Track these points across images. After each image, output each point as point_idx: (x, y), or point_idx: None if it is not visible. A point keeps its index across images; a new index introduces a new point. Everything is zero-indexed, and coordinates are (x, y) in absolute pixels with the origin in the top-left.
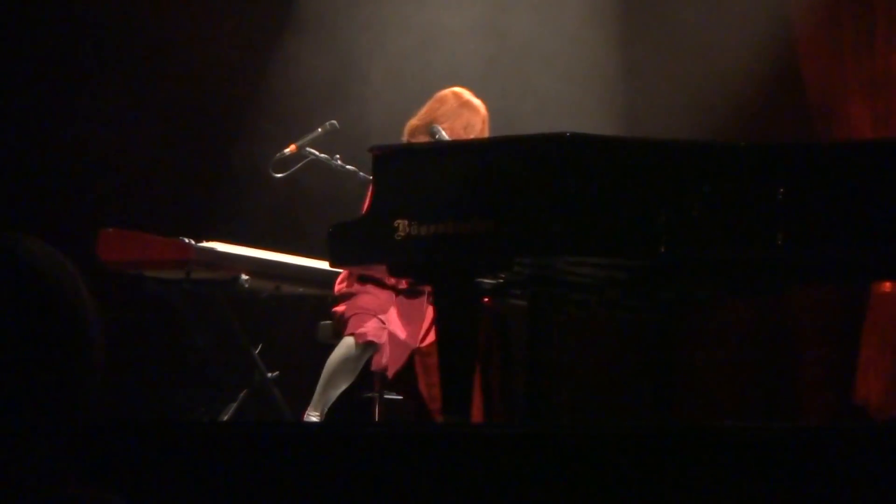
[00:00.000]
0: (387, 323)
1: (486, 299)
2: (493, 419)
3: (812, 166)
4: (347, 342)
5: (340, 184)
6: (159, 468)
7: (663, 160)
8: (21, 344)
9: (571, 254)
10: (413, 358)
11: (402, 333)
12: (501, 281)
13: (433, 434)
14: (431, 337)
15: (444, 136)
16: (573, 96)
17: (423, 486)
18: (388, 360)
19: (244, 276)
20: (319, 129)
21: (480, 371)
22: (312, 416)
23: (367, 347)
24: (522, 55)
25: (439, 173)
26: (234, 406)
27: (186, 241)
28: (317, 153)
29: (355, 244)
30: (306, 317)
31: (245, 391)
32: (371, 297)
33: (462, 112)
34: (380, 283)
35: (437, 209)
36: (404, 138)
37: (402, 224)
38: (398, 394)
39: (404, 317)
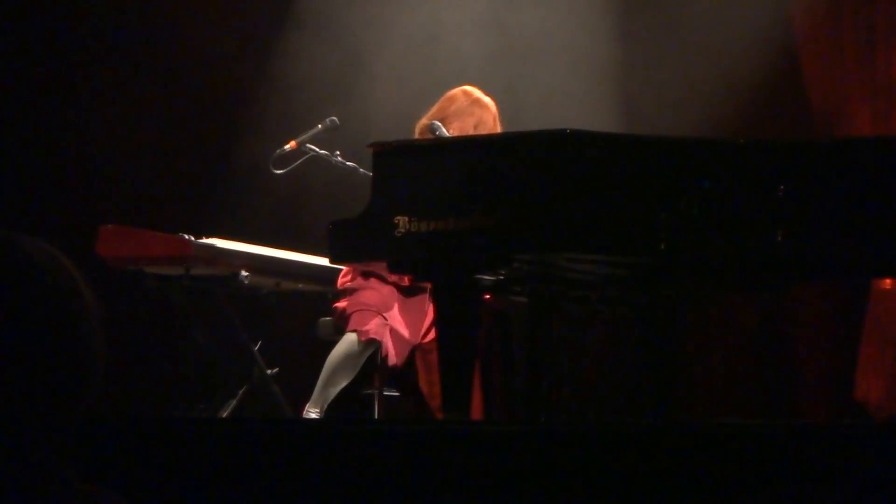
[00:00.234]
0: (389, 319)
1: (487, 296)
2: (493, 416)
3: (812, 164)
4: (349, 339)
5: (340, 180)
6: (159, 465)
7: (664, 157)
8: (20, 343)
9: (571, 251)
10: (414, 354)
11: (404, 330)
12: (501, 277)
13: (433, 431)
14: (433, 334)
15: (445, 132)
16: (574, 93)
17: (423, 484)
18: (393, 356)
19: (244, 273)
20: (320, 126)
21: (480, 368)
22: (312, 413)
23: (369, 345)
24: (524, 51)
25: (439, 170)
26: (233, 402)
27: (186, 237)
28: (317, 149)
29: (355, 241)
30: (306, 313)
31: (245, 388)
32: (374, 292)
33: (473, 110)
34: (383, 279)
35: (437, 206)
36: (416, 137)
37: (402, 220)
38: (398, 391)
39: (406, 313)
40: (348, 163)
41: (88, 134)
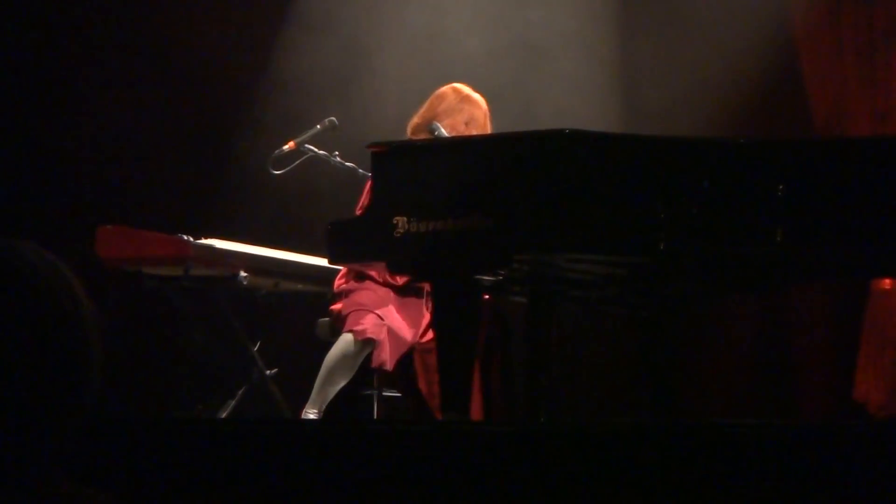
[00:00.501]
0: (385, 318)
1: (486, 296)
2: (492, 417)
3: (811, 163)
4: (346, 339)
5: (340, 181)
6: (158, 465)
7: (663, 157)
8: (19, 349)
9: (571, 251)
10: (412, 355)
11: (401, 328)
12: (501, 278)
13: (432, 432)
14: (430, 334)
15: (444, 132)
16: (576, 90)
17: (423, 485)
18: (388, 358)
19: (243, 273)
20: (318, 126)
21: (480, 369)
22: (311, 414)
23: (366, 344)
24: (525, 50)
25: (438, 170)
26: (232, 403)
27: (185, 237)
28: (316, 150)
29: (354, 241)
30: (305, 314)
31: (243, 388)
32: (369, 292)
33: (463, 107)
34: (378, 281)
35: (436, 206)
36: (407, 137)
37: (401, 221)
38: (397, 391)
39: (403, 313)
40: (347, 163)
41: (87, 134)
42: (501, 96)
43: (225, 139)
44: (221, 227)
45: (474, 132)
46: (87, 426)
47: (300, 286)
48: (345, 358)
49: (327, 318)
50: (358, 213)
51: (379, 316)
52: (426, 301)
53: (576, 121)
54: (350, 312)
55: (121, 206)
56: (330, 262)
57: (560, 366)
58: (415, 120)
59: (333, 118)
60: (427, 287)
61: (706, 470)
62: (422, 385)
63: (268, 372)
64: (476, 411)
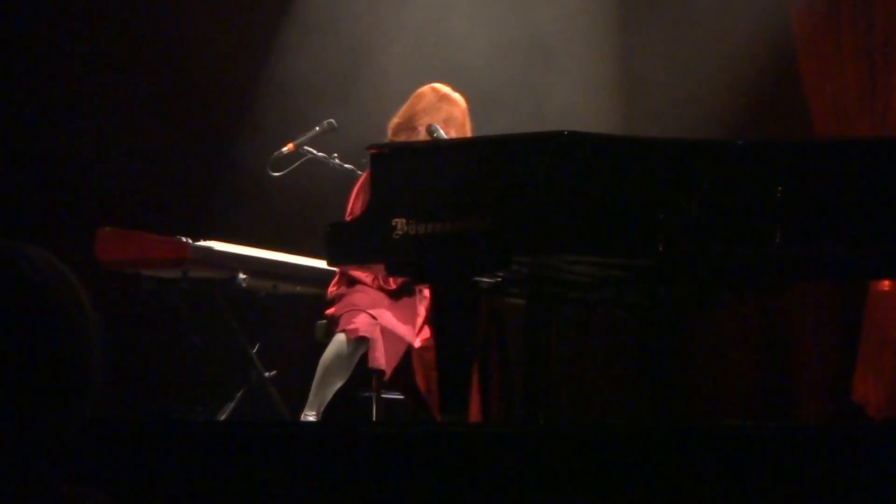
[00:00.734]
0: (379, 318)
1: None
2: (490, 419)
3: (810, 164)
4: (338, 339)
5: (338, 183)
6: (157, 467)
7: (662, 158)
8: (20, 352)
9: (569, 252)
10: (410, 353)
11: (397, 327)
12: (499, 280)
13: (431, 434)
14: (426, 332)
15: (442, 134)
16: (575, 91)
17: (422, 486)
18: (383, 356)
19: (241, 275)
20: (317, 128)
21: (478, 370)
22: (309, 416)
23: (359, 343)
24: (524, 51)
25: (437, 172)
26: (231, 405)
27: (184, 240)
28: (315, 152)
29: (353, 243)
30: (304, 316)
31: (242, 390)
32: (362, 294)
33: (441, 106)
34: (370, 286)
35: (434, 208)
36: (388, 137)
37: (399, 223)
38: (396, 390)
39: (398, 314)
40: (346, 165)
41: (85, 136)
42: (503, 96)
43: (224, 141)
44: (220, 229)
45: (452, 131)
46: (87, 428)
47: (299, 288)
48: (339, 358)
49: (324, 321)
50: (348, 219)
51: (372, 316)
52: (419, 299)
53: (578, 120)
54: (343, 313)
55: (119, 208)
56: (329, 264)
57: (559, 367)
58: (395, 120)
59: (332, 120)
60: (419, 287)
61: (705, 471)
62: (420, 382)
63: (266, 374)
64: (474, 413)
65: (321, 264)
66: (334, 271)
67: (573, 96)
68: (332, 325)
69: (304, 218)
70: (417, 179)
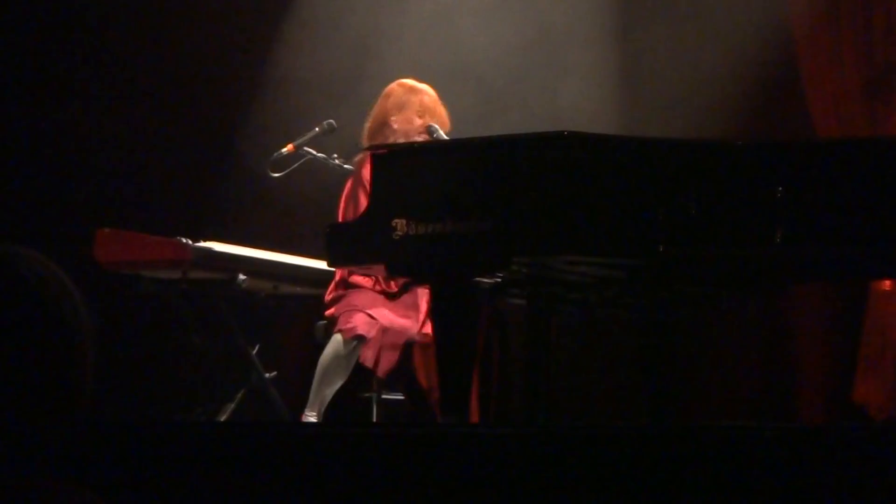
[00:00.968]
0: (378, 317)
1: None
2: (491, 419)
3: (811, 164)
4: (336, 339)
5: (338, 183)
6: (157, 469)
7: (662, 159)
8: (14, 353)
9: (570, 253)
10: (412, 350)
11: (395, 324)
12: (500, 280)
13: (431, 434)
14: (428, 327)
15: (442, 134)
16: (578, 90)
17: (422, 487)
18: (377, 355)
19: (241, 276)
20: (317, 129)
21: (479, 371)
22: (310, 417)
23: (356, 342)
24: (525, 51)
25: (437, 173)
26: (231, 406)
27: (183, 240)
28: (314, 152)
29: (353, 244)
30: (304, 317)
31: (243, 391)
32: (360, 295)
33: (410, 97)
34: (369, 290)
35: (435, 209)
36: (364, 142)
37: (400, 224)
38: (397, 389)
39: (398, 311)
40: (346, 165)
41: (85, 137)
42: (503, 95)
43: (224, 142)
44: (220, 229)
45: (429, 118)
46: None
47: (299, 289)
48: (337, 358)
49: (324, 322)
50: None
51: (370, 315)
52: (421, 293)
53: (584, 117)
54: (341, 314)
55: (119, 209)
56: (329, 265)
57: (559, 368)
58: (368, 124)
59: (332, 121)
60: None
61: (705, 472)
62: (421, 379)
63: (267, 375)
64: (474, 413)
65: (321, 265)
66: (334, 272)
67: (579, 94)
68: (332, 326)
69: (304, 219)
70: (418, 180)
